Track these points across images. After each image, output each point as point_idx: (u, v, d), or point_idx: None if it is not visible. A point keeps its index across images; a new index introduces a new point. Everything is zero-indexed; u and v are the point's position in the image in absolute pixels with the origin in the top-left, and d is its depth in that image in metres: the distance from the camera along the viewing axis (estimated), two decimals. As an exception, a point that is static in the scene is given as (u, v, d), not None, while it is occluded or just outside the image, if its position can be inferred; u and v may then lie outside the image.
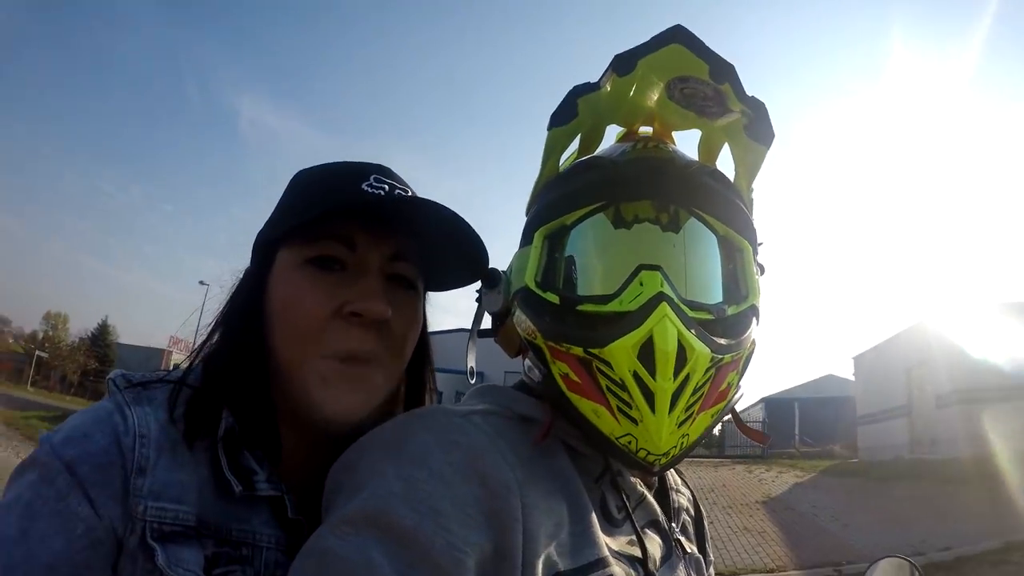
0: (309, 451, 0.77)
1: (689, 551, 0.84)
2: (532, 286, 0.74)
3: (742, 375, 0.75)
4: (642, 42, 0.69)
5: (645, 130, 0.83)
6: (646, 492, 0.81)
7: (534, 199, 0.82)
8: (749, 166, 0.80)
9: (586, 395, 0.69)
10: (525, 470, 0.66)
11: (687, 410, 0.67)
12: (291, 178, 0.85)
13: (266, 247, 0.79)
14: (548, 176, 0.81)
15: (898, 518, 9.18)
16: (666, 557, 0.77)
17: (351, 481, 0.64)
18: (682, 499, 0.91)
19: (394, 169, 0.86)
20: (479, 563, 0.58)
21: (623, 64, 0.69)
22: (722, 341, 0.69)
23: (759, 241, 0.81)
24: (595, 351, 0.67)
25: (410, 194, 0.81)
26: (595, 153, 0.81)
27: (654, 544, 0.76)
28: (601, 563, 0.66)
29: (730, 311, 0.73)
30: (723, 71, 0.69)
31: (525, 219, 0.83)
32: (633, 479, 0.80)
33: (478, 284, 0.85)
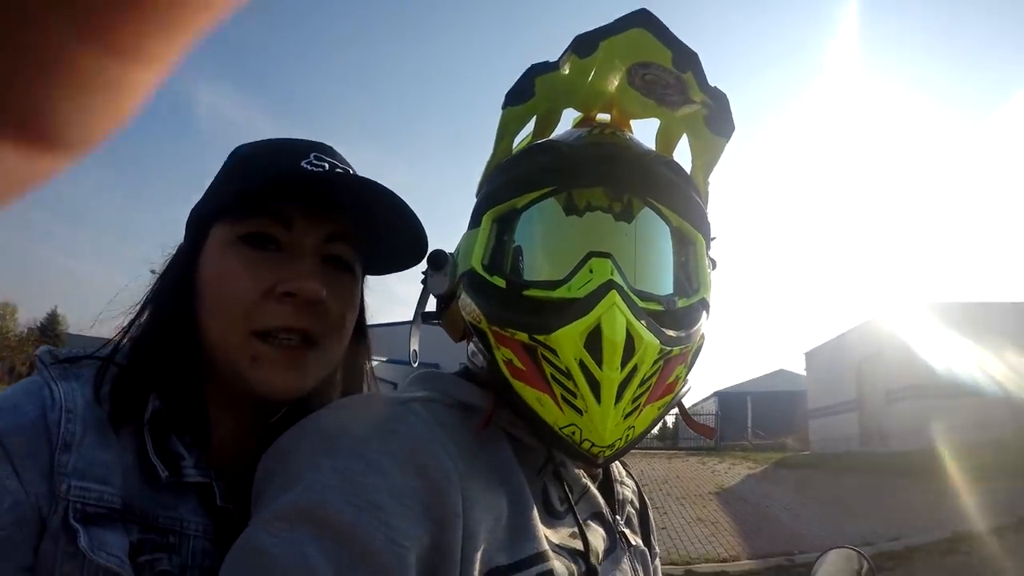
0: (240, 437, 0.75)
1: (634, 543, 0.83)
2: (479, 269, 0.72)
3: (690, 369, 0.75)
4: (605, 24, 0.66)
5: (603, 117, 0.82)
6: (590, 484, 0.80)
7: (485, 180, 0.81)
8: (707, 159, 0.80)
9: (530, 383, 0.67)
10: (466, 462, 0.65)
11: (634, 401, 0.66)
12: (230, 153, 0.81)
13: (199, 223, 0.76)
14: (500, 158, 0.79)
15: (849, 509, 9.39)
16: (610, 550, 0.76)
17: (284, 471, 0.62)
18: (627, 491, 0.90)
19: (355, 161, 0.83)
20: (419, 556, 0.57)
21: (584, 45, 0.67)
22: (671, 333, 0.68)
23: (712, 235, 0.79)
24: (541, 338, 0.65)
25: (351, 173, 0.78)
26: (550, 137, 0.79)
27: (597, 537, 0.75)
28: (540, 557, 0.65)
29: (680, 304, 0.72)
30: (686, 59, 0.68)
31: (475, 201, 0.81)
32: (577, 471, 0.78)
33: (423, 266, 0.82)
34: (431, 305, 0.84)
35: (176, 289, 0.74)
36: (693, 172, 0.80)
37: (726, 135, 0.75)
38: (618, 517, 0.83)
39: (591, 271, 0.66)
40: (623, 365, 0.63)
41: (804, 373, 23.31)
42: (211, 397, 0.73)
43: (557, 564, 0.66)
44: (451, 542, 0.59)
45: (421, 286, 0.83)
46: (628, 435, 0.67)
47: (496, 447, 0.71)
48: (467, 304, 0.73)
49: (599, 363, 0.63)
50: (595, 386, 0.63)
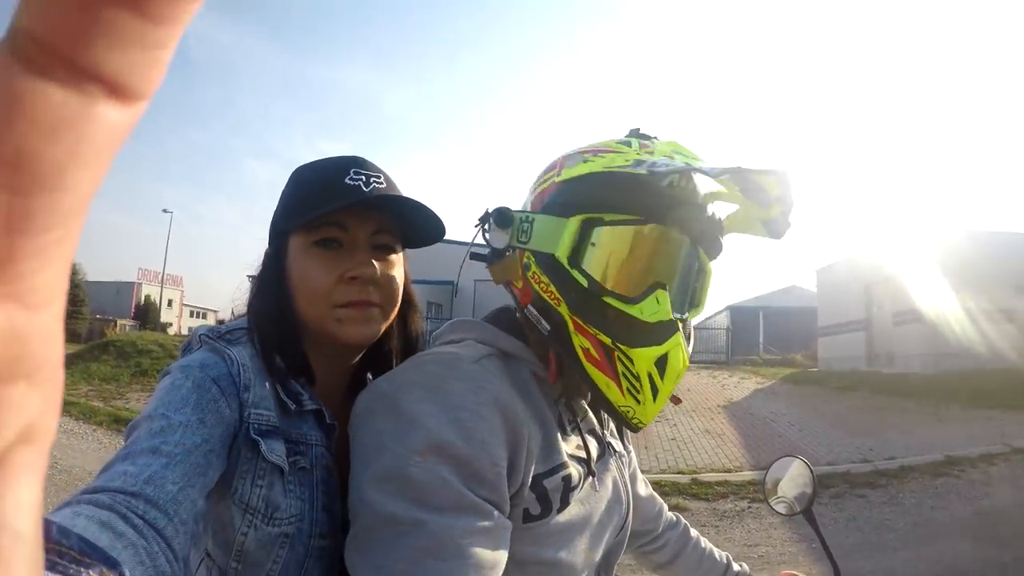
0: (333, 378, 1.05)
1: (617, 449, 1.10)
2: (563, 261, 0.90)
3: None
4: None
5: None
6: (588, 408, 1.05)
7: (579, 181, 0.93)
8: (745, 225, 0.97)
9: (603, 370, 0.89)
10: (523, 404, 0.89)
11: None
12: (292, 173, 1.06)
13: (280, 235, 1.02)
14: (601, 169, 0.92)
15: (850, 426, 9.67)
16: (601, 455, 1.02)
17: (394, 411, 0.84)
18: None
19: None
20: (506, 472, 0.82)
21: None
22: (689, 348, 0.94)
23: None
24: (623, 347, 0.87)
25: (383, 185, 1.01)
26: (643, 159, 0.90)
27: (593, 446, 1.00)
28: (563, 465, 0.90)
29: (689, 317, 0.96)
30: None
31: (556, 182, 0.95)
32: (580, 399, 1.03)
33: (477, 214, 1.02)
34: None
35: (272, 284, 1.01)
36: (727, 221, 0.98)
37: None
38: (605, 430, 1.09)
39: (657, 301, 0.88)
40: (675, 379, 0.90)
41: (816, 290, 23.30)
42: (310, 351, 1.00)
43: (572, 469, 0.91)
44: (519, 460, 0.83)
45: (476, 228, 1.02)
46: (657, 410, 0.92)
47: (529, 387, 0.94)
48: (544, 283, 0.92)
49: (662, 378, 0.89)
50: (655, 391, 0.89)
